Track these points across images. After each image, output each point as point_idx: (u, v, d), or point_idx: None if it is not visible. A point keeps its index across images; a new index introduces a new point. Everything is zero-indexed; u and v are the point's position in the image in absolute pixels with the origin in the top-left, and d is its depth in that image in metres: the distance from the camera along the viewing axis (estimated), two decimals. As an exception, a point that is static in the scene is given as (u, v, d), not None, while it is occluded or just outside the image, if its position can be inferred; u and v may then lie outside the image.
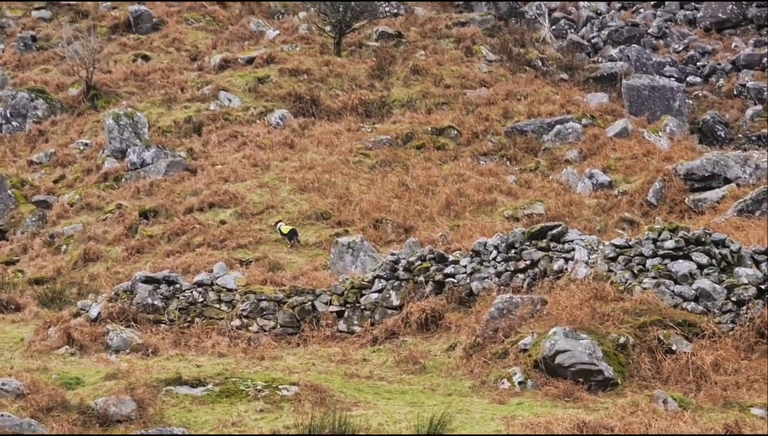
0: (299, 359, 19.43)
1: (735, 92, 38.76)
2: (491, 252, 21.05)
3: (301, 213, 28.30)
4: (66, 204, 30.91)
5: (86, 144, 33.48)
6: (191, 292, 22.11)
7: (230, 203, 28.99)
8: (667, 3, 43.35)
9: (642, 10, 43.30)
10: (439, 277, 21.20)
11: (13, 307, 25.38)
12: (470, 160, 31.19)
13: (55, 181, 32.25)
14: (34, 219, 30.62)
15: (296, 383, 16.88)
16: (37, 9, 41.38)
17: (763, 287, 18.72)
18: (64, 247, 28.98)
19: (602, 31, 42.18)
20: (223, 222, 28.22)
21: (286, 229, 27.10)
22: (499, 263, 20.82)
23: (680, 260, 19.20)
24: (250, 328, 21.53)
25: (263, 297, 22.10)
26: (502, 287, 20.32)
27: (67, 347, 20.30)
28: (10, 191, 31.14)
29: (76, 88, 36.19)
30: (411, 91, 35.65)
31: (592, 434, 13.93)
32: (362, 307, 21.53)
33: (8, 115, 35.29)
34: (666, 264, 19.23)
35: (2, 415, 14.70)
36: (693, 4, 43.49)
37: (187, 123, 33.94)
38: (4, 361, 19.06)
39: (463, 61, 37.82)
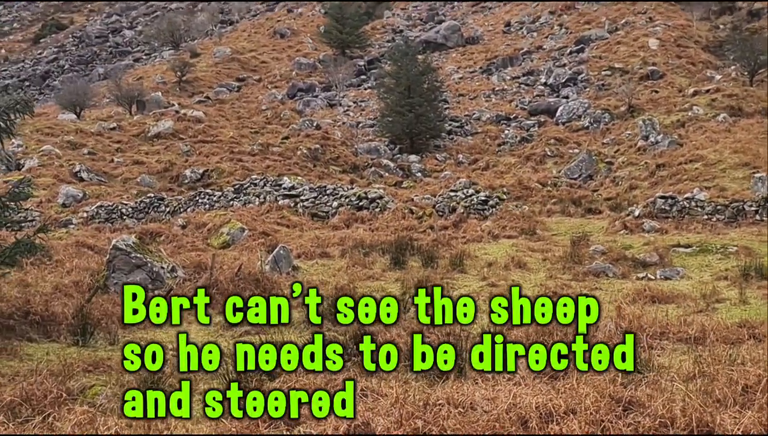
0: (736, 234, 19.28)
1: None
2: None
3: (734, 163, 26.91)
4: (619, 162, 31.18)
5: (629, 134, 33.56)
6: (683, 202, 22.54)
7: (699, 160, 28.09)
8: None
9: None
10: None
11: (597, 211, 25.89)
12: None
13: (615, 152, 32.63)
14: (605, 171, 30.94)
15: (736, 245, 17.29)
16: (606, 70, 41.71)
17: None
18: (620, 182, 29.14)
19: None
20: (696, 169, 27.44)
21: None
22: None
23: None
24: (711, 219, 21.65)
25: (718, 204, 22.10)
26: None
27: (624, 231, 21.04)
28: (593, 157, 32.10)
29: (623, 107, 36.50)
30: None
31: None
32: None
33: (591, 121, 36.34)
34: None
35: (595, 263, 15.62)
36: None
37: (677, 122, 33.26)
38: (595, 238, 19.46)
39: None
